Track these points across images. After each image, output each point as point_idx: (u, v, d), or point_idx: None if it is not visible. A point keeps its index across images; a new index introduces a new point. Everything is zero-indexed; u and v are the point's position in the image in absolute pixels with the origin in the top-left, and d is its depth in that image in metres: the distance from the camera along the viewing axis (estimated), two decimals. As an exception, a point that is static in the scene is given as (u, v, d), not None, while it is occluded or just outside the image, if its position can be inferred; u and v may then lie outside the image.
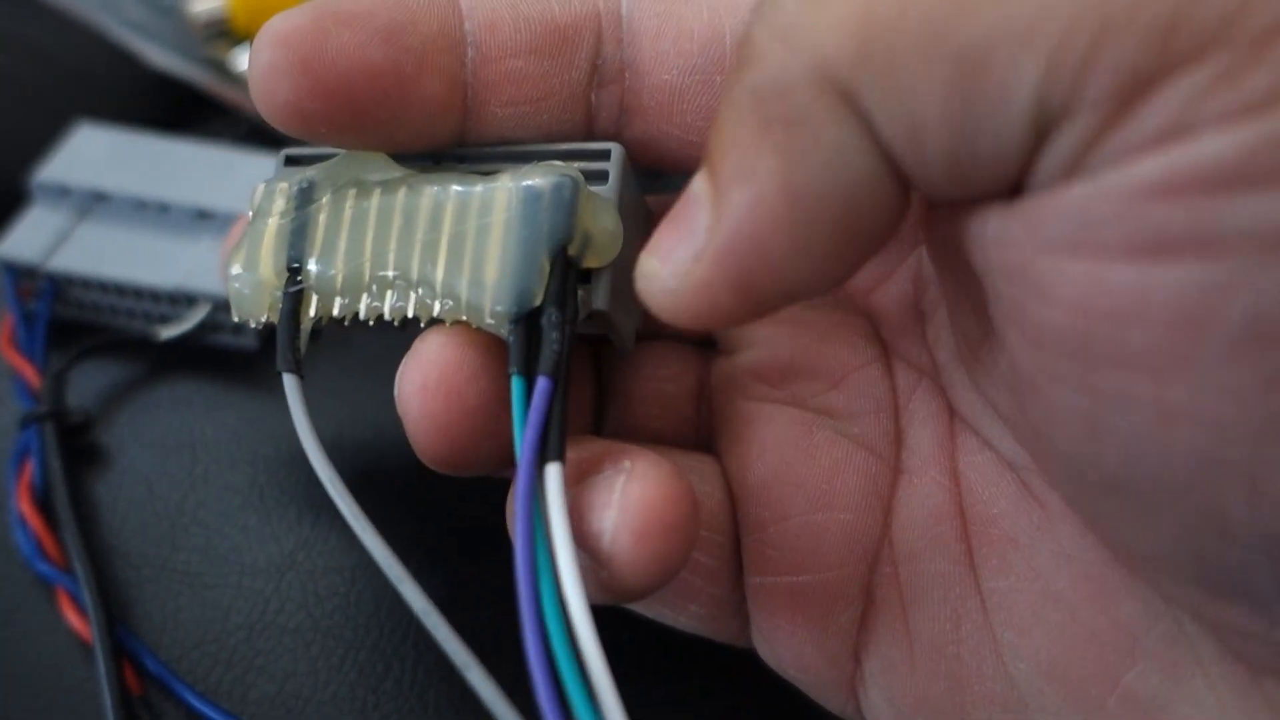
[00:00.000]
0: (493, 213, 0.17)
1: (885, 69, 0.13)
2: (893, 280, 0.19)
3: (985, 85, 0.12)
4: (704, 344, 0.21)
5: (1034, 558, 0.17)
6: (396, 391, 0.17)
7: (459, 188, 0.17)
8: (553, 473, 0.15)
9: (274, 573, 0.22)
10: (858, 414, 0.19)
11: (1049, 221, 0.13)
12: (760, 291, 0.15)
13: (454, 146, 0.18)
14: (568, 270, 0.17)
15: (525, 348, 0.16)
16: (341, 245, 0.17)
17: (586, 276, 0.17)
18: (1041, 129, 0.13)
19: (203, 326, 0.26)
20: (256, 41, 0.16)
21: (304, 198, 0.18)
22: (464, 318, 0.17)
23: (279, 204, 0.18)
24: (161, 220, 0.27)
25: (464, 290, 0.17)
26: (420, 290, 0.17)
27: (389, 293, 0.17)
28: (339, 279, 0.17)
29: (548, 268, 0.16)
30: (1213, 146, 0.11)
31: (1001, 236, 0.14)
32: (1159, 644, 0.16)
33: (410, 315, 0.17)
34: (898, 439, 0.19)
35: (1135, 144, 0.12)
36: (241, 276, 0.18)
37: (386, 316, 0.17)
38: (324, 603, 0.22)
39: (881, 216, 0.14)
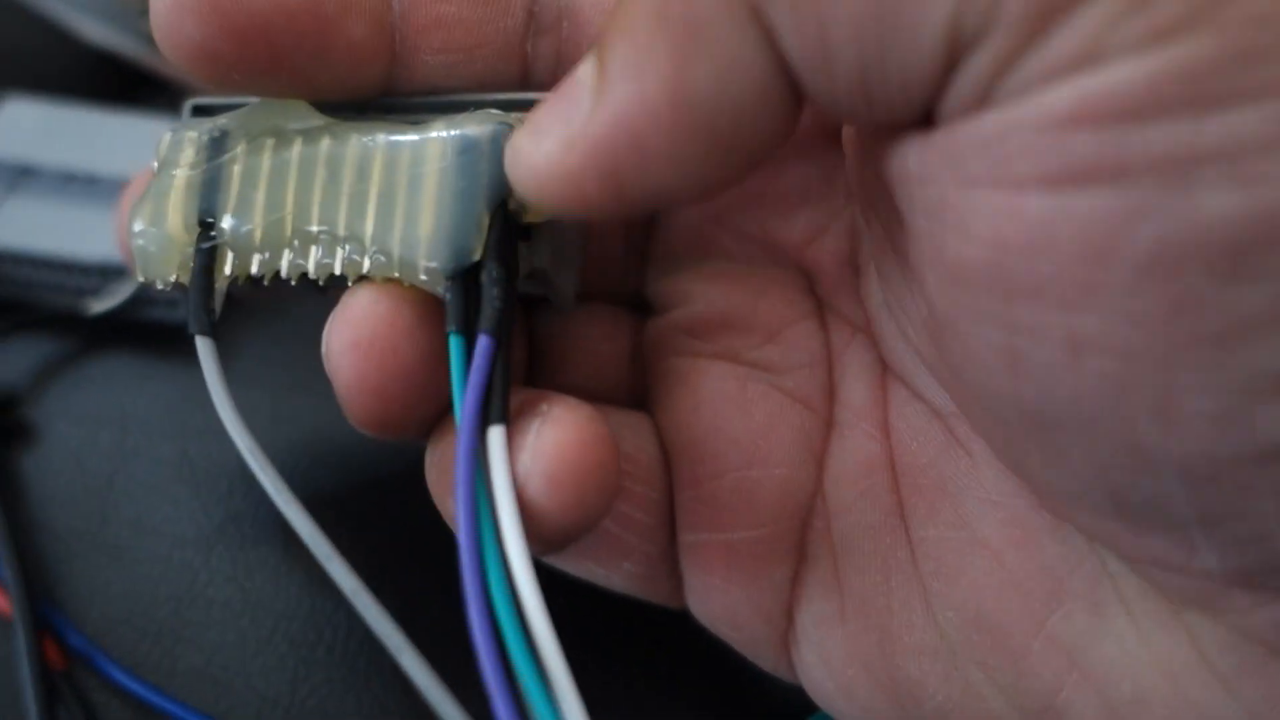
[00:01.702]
0: (426, 163, 0.16)
1: None
2: (828, 234, 0.19)
3: (899, 3, 0.12)
4: (637, 304, 0.21)
5: (961, 505, 0.17)
6: (324, 350, 0.16)
7: (389, 137, 0.16)
8: (496, 436, 0.15)
9: (204, 545, 0.22)
10: (792, 368, 0.19)
11: (965, 154, 0.13)
12: (630, 189, 0.14)
13: (381, 96, 0.17)
14: (508, 224, 0.16)
15: (463, 305, 0.15)
16: (259, 198, 0.16)
17: (525, 233, 0.16)
18: (954, 51, 0.12)
19: (134, 300, 0.25)
20: None
21: (216, 147, 0.17)
22: (396, 274, 0.16)
23: (187, 154, 0.17)
24: (90, 193, 0.26)
25: (396, 245, 0.16)
26: (348, 246, 0.16)
27: (313, 248, 0.16)
28: (257, 234, 0.16)
29: (487, 221, 0.16)
30: (1122, 74, 0.11)
31: (921, 172, 0.14)
32: (1083, 584, 0.16)
33: (337, 273, 0.16)
34: (831, 392, 0.19)
35: (1047, 70, 0.12)
36: (147, 233, 0.17)
37: (311, 274, 0.16)
38: (254, 574, 0.22)
39: (766, 132, 0.14)
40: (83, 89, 0.31)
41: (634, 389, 0.20)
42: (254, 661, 0.20)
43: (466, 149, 0.16)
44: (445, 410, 0.17)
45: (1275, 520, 0.12)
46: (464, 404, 0.15)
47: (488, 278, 0.15)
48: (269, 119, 0.17)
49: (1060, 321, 0.12)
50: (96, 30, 0.31)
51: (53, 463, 0.24)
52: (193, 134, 0.17)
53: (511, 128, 0.16)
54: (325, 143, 0.16)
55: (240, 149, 0.17)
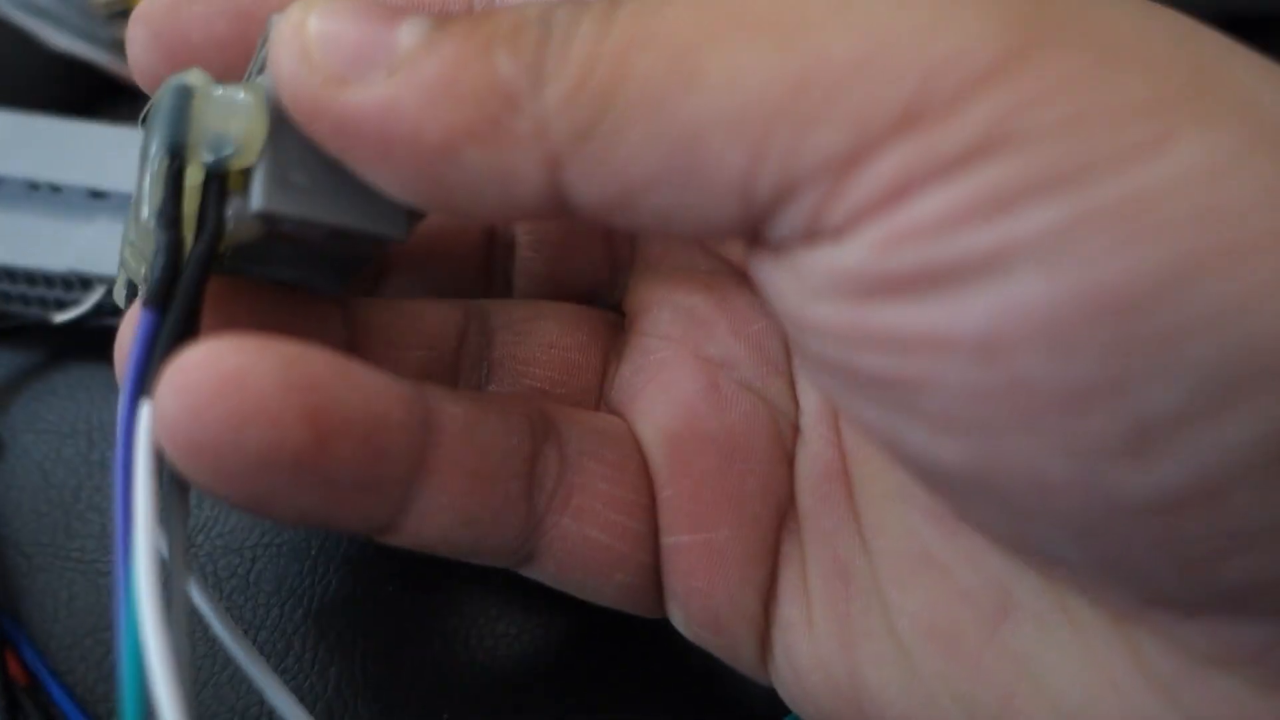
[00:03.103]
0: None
1: (602, 146, 0.13)
2: None
3: (697, 168, 0.13)
4: (610, 308, 0.21)
5: (908, 515, 0.17)
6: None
7: None
8: (145, 412, 0.14)
9: (171, 556, 0.22)
10: (760, 370, 0.19)
11: (804, 274, 0.13)
12: (359, 155, 0.14)
13: None
14: (176, 185, 0.15)
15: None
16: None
17: (219, 194, 0.15)
18: (759, 207, 0.13)
19: (99, 310, 0.25)
20: (130, 18, 0.17)
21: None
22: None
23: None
24: (54, 202, 0.26)
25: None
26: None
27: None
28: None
29: (162, 180, 0.15)
30: (935, 202, 0.12)
31: (773, 286, 0.14)
32: (1028, 596, 0.16)
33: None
34: (794, 396, 0.19)
35: (863, 207, 0.12)
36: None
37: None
38: (223, 584, 0.21)
39: (509, 214, 0.14)
40: (48, 98, 0.31)
41: (610, 394, 0.20)
42: (224, 671, 0.20)
43: (151, 112, 0.15)
44: None
45: (1164, 567, 0.13)
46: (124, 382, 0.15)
47: (156, 244, 0.15)
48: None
49: (921, 406, 0.13)
50: (62, 38, 0.31)
51: (17, 475, 0.23)
52: None
53: (185, 83, 0.15)
54: None
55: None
